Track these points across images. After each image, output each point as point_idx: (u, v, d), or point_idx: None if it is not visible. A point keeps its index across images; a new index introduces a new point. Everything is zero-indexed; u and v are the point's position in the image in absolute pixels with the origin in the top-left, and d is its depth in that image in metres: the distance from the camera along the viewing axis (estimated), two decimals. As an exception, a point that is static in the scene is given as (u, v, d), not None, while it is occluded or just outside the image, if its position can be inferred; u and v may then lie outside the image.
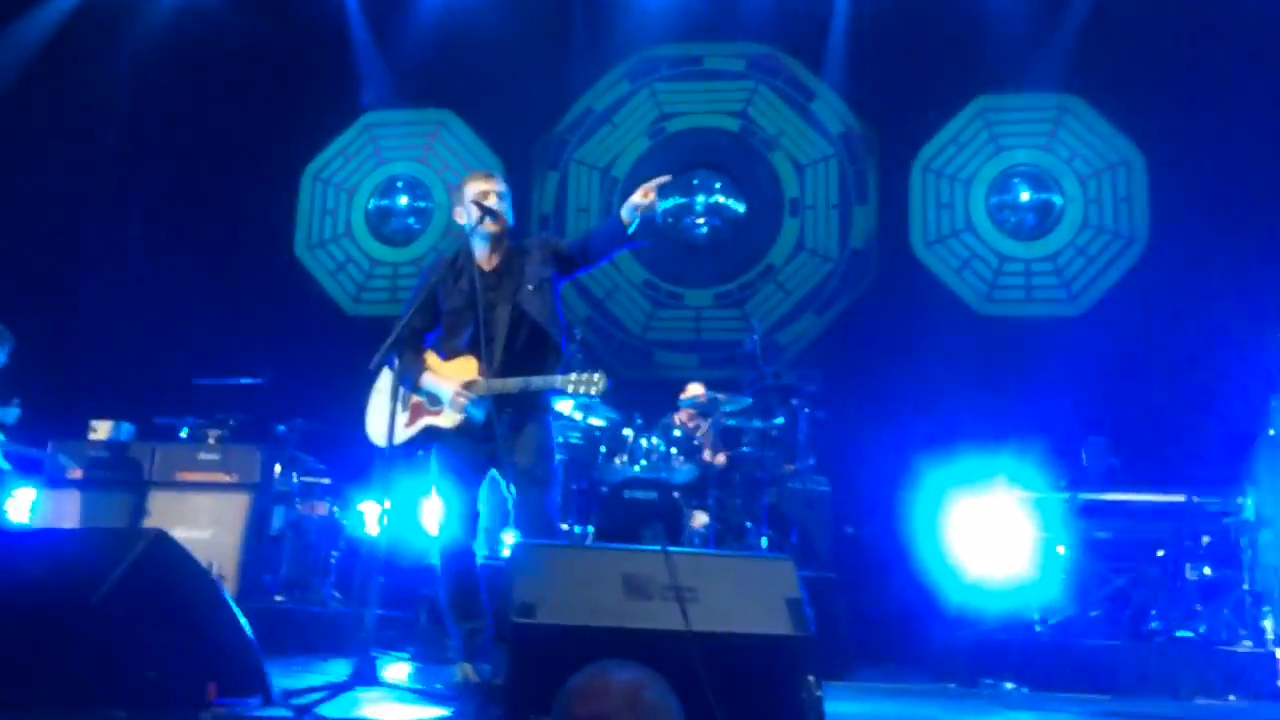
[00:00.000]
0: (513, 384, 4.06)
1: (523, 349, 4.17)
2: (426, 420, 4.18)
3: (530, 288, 4.20)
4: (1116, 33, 8.40)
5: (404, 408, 4.18)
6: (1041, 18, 8.57)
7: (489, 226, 4.21)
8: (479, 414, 4.08)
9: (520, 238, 4.42)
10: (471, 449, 4.16)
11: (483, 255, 4.27)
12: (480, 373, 4.09)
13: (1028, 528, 6.08)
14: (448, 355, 4.21)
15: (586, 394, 3.98)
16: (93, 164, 8.96)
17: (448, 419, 4.13)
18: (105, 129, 9.08)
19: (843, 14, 9.00)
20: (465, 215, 4.28)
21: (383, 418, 4.04)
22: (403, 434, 4.18)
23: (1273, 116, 7.96)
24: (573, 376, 4.00)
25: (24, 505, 6.46)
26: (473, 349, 4.13)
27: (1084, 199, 8.67)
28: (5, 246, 8.14)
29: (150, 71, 9.27)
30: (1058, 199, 8.74)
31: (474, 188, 4.26)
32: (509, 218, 4.27)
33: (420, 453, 4.30)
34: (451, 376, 4.14)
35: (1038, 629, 5.88)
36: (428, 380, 4.18)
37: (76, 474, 5.97)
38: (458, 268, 4.26)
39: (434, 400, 4.18)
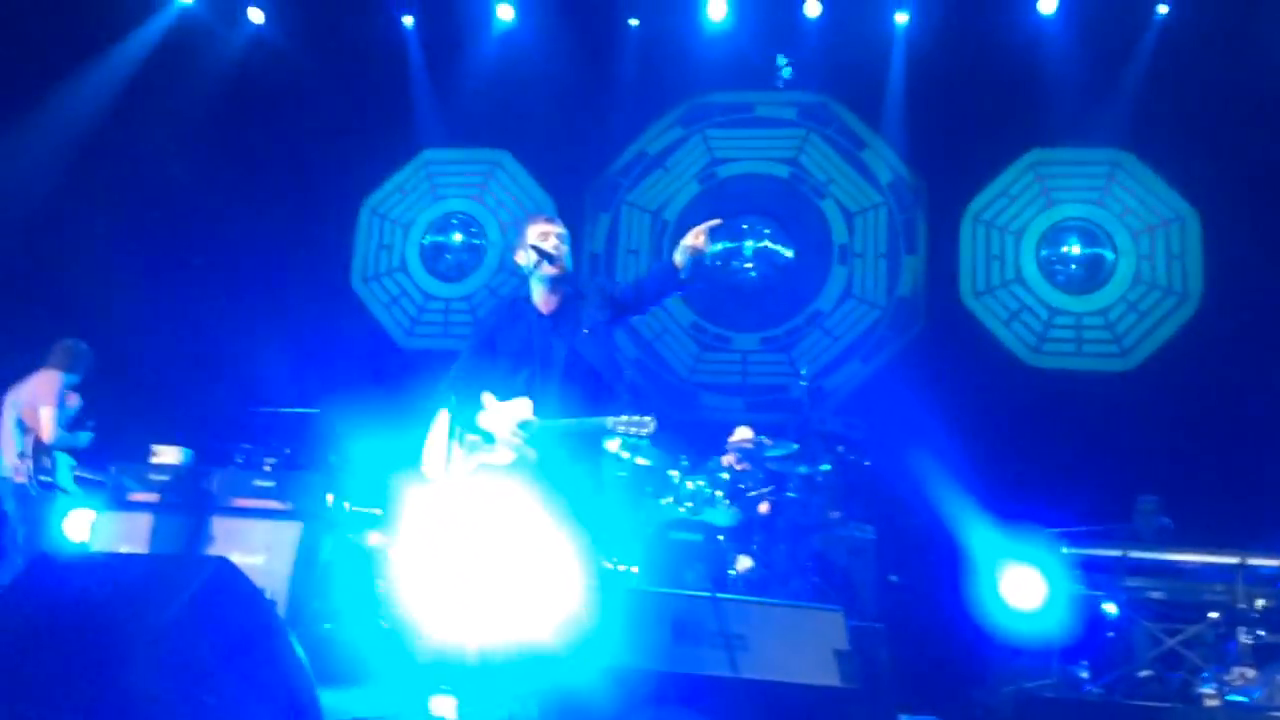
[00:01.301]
0: (564, 424, 4.12)
1: (577, 391, 4.23)
2: (482, 458, 4.25)
3: (586, 331, 4.27)
4: (1169, 89, 8.40)
5: (464, 447, 4.26)
6: (1095, 74, 8.59)
7: (547, 270, 4.27)
8: (531, 454, 4.15)
9: (578, 282, 4.50)
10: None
11: (540, 298, 4.34)
12: (534, 413, 4.16)
13: (1074, 587, 6.02)
14: (504, 396, 4.28)
15: (636, 435, 4.01)
16: (160, 193, 9.18)
17: (501, 457, 4.20)
18: (173, 159, 9.29)
19: (896, 64, 9.07)
20: (525, 257, 4.36)
21: (439, 454, 4.12)
22: (461, 472, 4.25)
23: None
24: (623, 418, 4.04)
25: (83, 526, 6.61)
26: (529, 390, 4.21)
27: (1136, 254, 8.65)
28: (72, 273, 8.35)
29: (218, 104, 9.51)
30: (1109, 254, 8.72)
31: (535, 230, 4.33)
32: (568, 262, 4.33)
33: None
34: (506, 416, 4.22)
35: (1085, 684, 5.81)
36: (483, 419, 4.26)
37: (141, 496, 6.11)
38: (516, 310, 4.35)
39: (488, 439, 4.25)
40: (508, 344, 4.29)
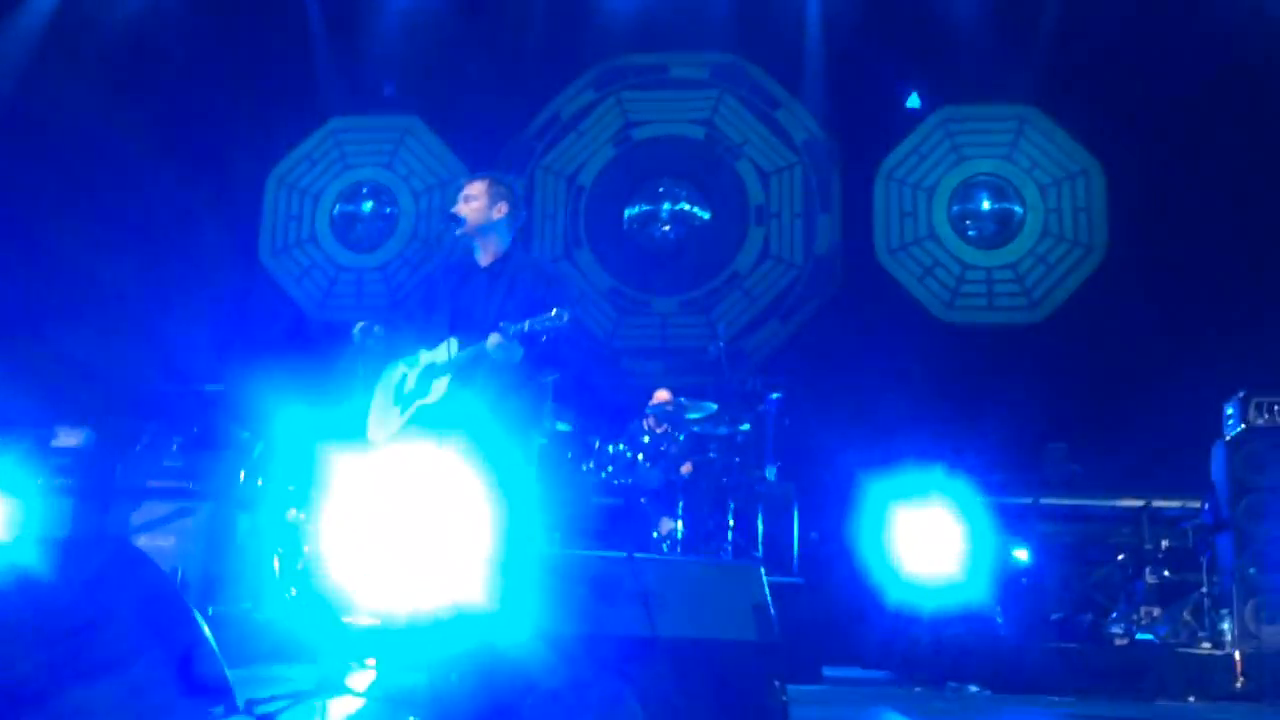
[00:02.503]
0: (478, 347, 4.06)
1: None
2: (417, 403, 4.20)
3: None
4: (1075, 45, 8.54)
5: (397, 404, 4.26)
6: (1002, 31, 8.68)
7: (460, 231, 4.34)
8: (460, 383, 4.07)
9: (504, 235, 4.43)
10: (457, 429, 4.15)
11: (478, 254, 4.40)
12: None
13: (984, 533, 6.15)
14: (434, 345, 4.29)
15: (553, 325, 3.88)
16: (57, 166, 8.85)
17: (434, 395, 4.14)
18: (69, 131, 8.96)
19: (809, 24, 9.07)
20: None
21: (378, 416, 4.21)
22: (396, 426, 4.22)
23: (1227, 124, 8.11)
24: (534, 319, 3.92)
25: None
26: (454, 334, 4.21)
27: (1044, 208, 8.81)
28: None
29: (115, 73, 9.16)
30: (1018, 208, 8.87)
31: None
32: (470, 218, 4.32)
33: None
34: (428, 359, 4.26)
35: (999, 620, 5.94)
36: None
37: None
38: (455, 265, 4.45)
39: (423, 382, 4.21)
40: (443, 298, 4.34)
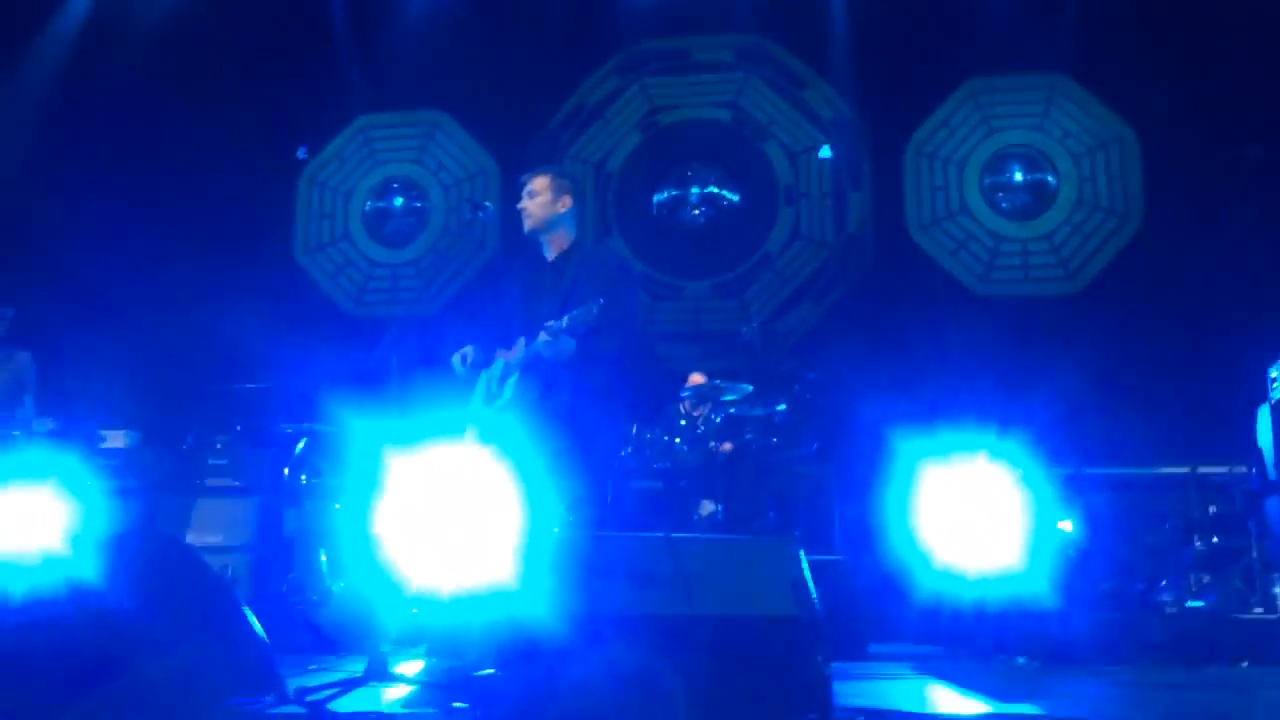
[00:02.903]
0: (524, 353, 4.22)
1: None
2: (496, 404, 4.37)
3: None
4: (1103, 10, 8.41)
5: (485, 402, 4.45)
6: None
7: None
8: (529, 381, 4.24)
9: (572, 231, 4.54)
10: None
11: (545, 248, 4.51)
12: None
13: (1027, 505, 6.08)
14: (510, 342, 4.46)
15: (586, 320, 3.97)
16: (93, 175, 8.98)
17: (507, 394, 4.32)
18: (104, 136, 9.11)
19: (832, 2, 9.02)
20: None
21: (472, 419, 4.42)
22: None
23: (1263, 86, 7.97)
24: (569, 315, 4.01)
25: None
26: (527, 332, 4.34)
27: (1078, 177, 8.70)
28: (7, 258, 8.17)
29: (146, 82, 9.28)
30: (1051, 178, 8.77)
31: None
32: (533, 216, 4.44)
33: None
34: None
35: (1049, 605, 5.89)
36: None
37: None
38: (525, 260, 4.65)
39: (501, 381, 4.35)
40: (514, 297, 4.51)
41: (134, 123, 9.10)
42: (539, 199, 4.42)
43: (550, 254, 4.46)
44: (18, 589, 3.25)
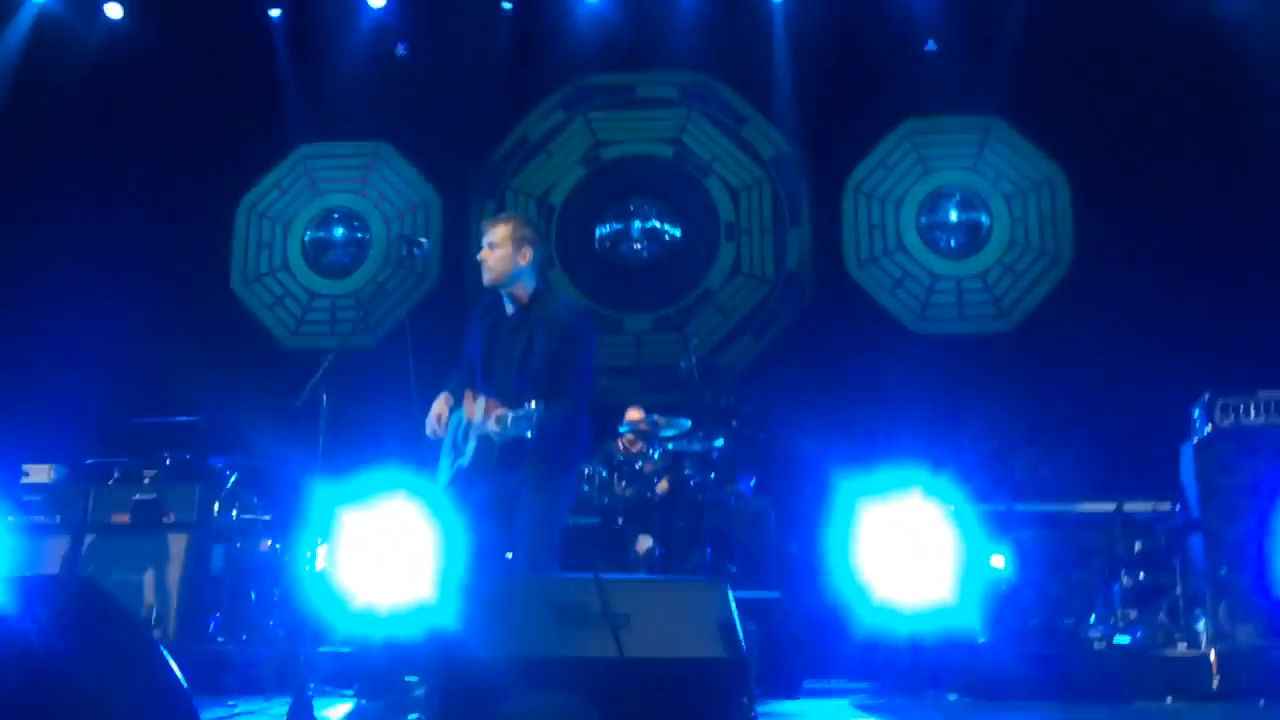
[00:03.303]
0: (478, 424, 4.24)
1: (529, 385, 4.22)
2: (457, 462, 4.36)
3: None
4: (1038, 56, 8.62)
5: (450, 451, 4.44)
6: (965, 42, 8.79)
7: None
8: (485, 449, 4.23)
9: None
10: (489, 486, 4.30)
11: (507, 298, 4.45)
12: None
13: (959, 542, 6.16)
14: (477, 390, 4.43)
15: (528, 427, 4.01)
16: (24, 197, 8.83)
17: (466, 458, 4.30)
18: (36, 162, 8.96)
19: (773, 40, 9.15)
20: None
21: (441, 467, 4.44)
22: (445, 475, 4.42)
23: (1191, 132, 8.22)
24: (515, 412, 4.03)
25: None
26: (486, 385, 4.38)
27: (1010, 218, 8.89)
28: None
29: (80, 105, 9.16)
30: (985, 218, 8.95)
31: None
32: (492, 266, 4.34)
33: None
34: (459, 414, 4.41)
35: (980, 639, 5.96)
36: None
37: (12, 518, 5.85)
38: (487, 307, 4.53)
39: (464, 439, 4.35)
40: (475, 350, 4.45)
41: (68, 152, 8.96)
42: (499, 251, 4.29)
43: (510, 307, 4.38)
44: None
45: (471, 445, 4.24)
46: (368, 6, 9.36)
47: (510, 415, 3.98)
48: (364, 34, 9.46)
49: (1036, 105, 8.78)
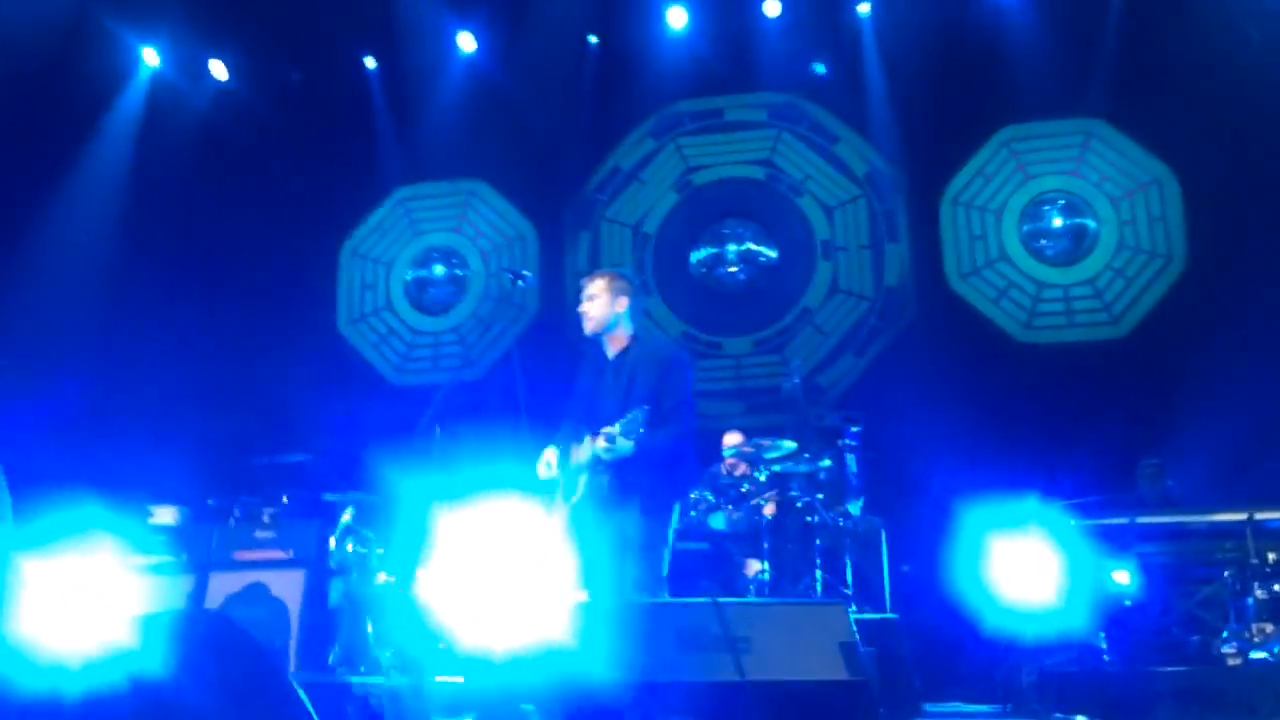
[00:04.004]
0: (591, 454, 4.36)
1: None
2: (571, 501, 4.51)
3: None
4: (1137, 54, 8.41)
5: (565, 498, 4.56)
6: (1061, 45, 8.59)
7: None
8: (596, 482, 4.38)
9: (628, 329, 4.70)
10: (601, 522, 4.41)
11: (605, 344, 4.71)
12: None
13: (1082, 558, 5.98)
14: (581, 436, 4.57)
15: (635, 425, 4.12)
16: (139, 250, 9.20)
17: (579, 493, 4.45)
18: (154, 218, 9.34)
19: (863, 55, 9.09)
20: None
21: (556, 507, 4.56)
22: (564, 518, 4.52)
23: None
24: (622, 420, 4.16)
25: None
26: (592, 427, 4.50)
27: (1118, 221, 8.64)
28: (53, 332, 8.33)
29: (189, 161, 9.54)
30: (1091, 223, 8.71)
31: None
32: (591, 315, 4.65)
33: None
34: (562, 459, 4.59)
35: (1105, 659, 5.76)
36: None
37: (141, 559, 6.06)
38: (591, 354, 4.79)
39: (572, 480, 4.51)
40: (581, 394, 4.73)
41: (183, 207, 9.34)
42: (597, 301, 4.64)
43: (610, 352, 4.67)
44: (72, 690, 3.28)
45: (584, 479, 4.39)
46: (458, 50, 9.58)
47: (616, 427, 4.16)
48: (455, 77, 9.68)
49: (1139, 104, 8.53)
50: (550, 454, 4.64)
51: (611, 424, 4.32)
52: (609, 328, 4.64)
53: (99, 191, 9.19)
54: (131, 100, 9.51)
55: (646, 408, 4.08)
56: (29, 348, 7.93)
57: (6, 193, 8.51)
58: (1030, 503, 6.21)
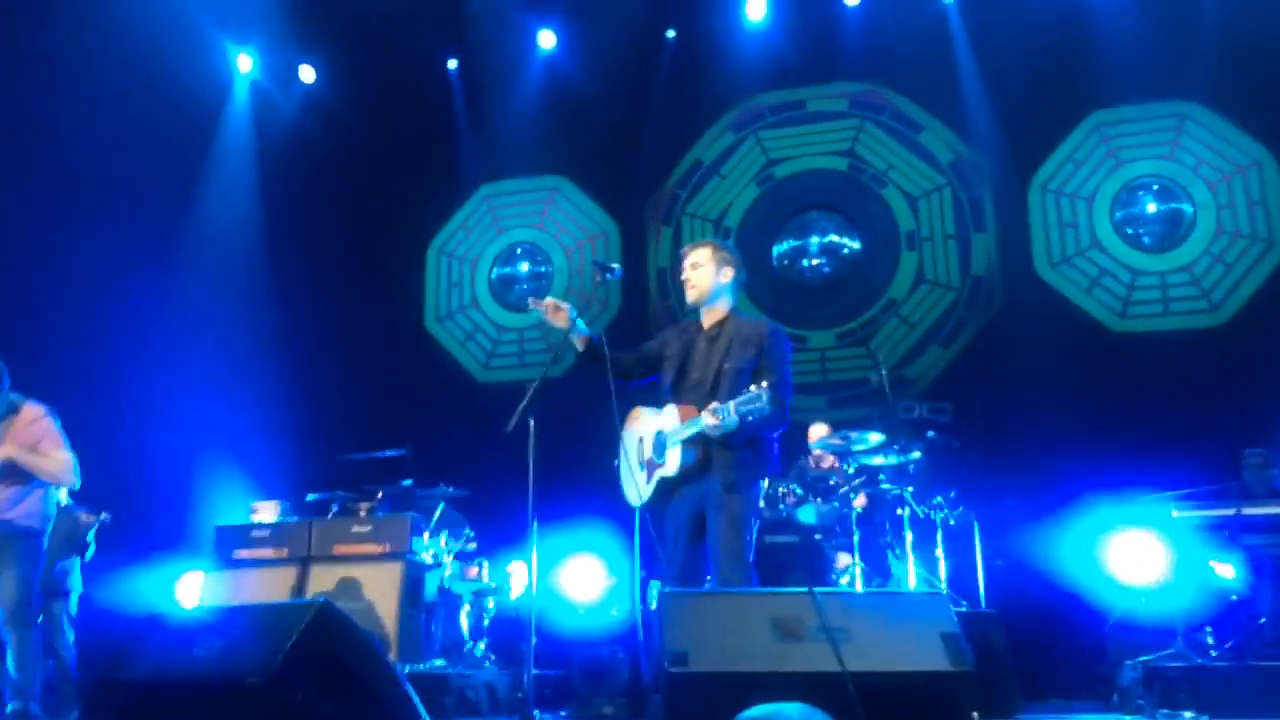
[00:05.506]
0: (689, 426, 4.23)
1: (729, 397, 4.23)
2: (658, 473, 4.39)
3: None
4: (1229, 33, 8.14)
5: (642, 468, 4.47)
6: (1149, 27, 8.36)
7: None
8: (691, 454, 4.26)
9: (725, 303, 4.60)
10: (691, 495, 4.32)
11: (703, 317, 4.58)
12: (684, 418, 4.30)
13: (1186, 551, 5.83)
14: (660, 406, 4.50)
15: (756, 407, 3.98)
16: (231, 252, 9.44)
17: (669, 467, 4.33)
18: (241, 221, 9.59)
19: (952, 43, 8.95)
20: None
21: (628, 479, 4.47)
22: (645, 492, 4.44)
23: None
24: (737, 399, 4.04)
25: (194, 587, 6.78)
26: (678, 398, 4.43)
27: (1215, 205, 8.37)
28: (151, 335, 8.59)
29: (280, 164, 9.79)
30: (1188, 207, 8.46)
31: None
32: (693, 285, 4.53)
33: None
34: (652, 425, 4.47)
35: (1212, 654, 5.61)
36: (633, 428, 4.56)
37: (246, 554, 6.23)
38: (684, 327, 4.66)
39: (656, 450, 4.40)
40: (670, 358, 4.54)
41: (270, 209, 9.57)
42: (702, 270, 4.50)
43: (705, 322, 4.52)
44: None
45: (677, 451, 4.26)
46: (537, 48, 9.67)
47: (732, 402, 4.02)
48: (535, 74, 9.78)
49: (1235, 86, 8.26)
50: (643, 415, 4.52)
51: (703, 395, 4.22)
52: (713, 298, 4.49)
53: (225, 200, 9.45)
54: (238, 108, 9.79)
55: (768, 390, 3.93)
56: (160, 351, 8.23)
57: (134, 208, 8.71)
58: (1130, 496, 6.07)
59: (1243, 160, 8.36)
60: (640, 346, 4.67)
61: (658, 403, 4.52)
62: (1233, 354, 7.86)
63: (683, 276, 4.56)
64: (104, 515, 6.01)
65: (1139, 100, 8.65)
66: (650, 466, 4.42)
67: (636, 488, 4.46)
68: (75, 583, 6.20)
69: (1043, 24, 8.52)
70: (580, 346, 4.53)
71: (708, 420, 4.08)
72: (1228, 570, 5.85)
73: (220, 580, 6.27)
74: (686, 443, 4.24)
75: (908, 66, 9.11)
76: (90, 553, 6.20)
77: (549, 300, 4.54)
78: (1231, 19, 8.13)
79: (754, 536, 4.25)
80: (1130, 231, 8.58)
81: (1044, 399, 7.86)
